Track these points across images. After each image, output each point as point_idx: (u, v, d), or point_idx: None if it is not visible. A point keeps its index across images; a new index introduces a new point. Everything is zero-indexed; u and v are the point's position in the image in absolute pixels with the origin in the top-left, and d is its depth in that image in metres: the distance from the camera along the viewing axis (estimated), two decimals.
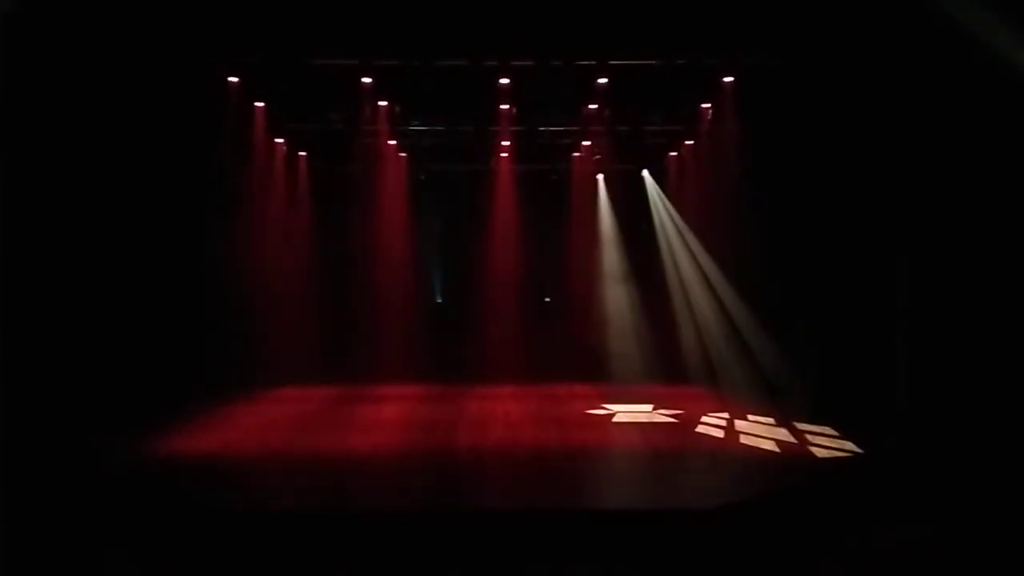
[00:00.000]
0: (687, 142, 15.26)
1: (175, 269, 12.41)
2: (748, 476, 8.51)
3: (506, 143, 15.09)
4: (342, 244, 15.78)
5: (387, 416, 12.13)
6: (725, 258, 14.18)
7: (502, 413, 12.34)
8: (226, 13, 10.70)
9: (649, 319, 15.81)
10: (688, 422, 11.58)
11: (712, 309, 14.64)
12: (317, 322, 15.44)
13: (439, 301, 17.22)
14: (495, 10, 10.79)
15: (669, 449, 9.86)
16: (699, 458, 9.39)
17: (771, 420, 11.39)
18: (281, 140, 15.06)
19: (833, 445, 9.81)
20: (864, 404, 10.87)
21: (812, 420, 11.06)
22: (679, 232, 15.74)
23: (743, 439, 10.40)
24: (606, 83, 12.82)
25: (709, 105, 13.85)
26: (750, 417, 11.69)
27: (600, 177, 16.66)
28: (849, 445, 9.69)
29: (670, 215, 16.00)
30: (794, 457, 9.32)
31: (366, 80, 12.94)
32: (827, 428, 10.61)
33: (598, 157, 15.85)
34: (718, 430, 10.99)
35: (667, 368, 15.26)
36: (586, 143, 15.42)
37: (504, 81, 12.84)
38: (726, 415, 11.90)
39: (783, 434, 10.53)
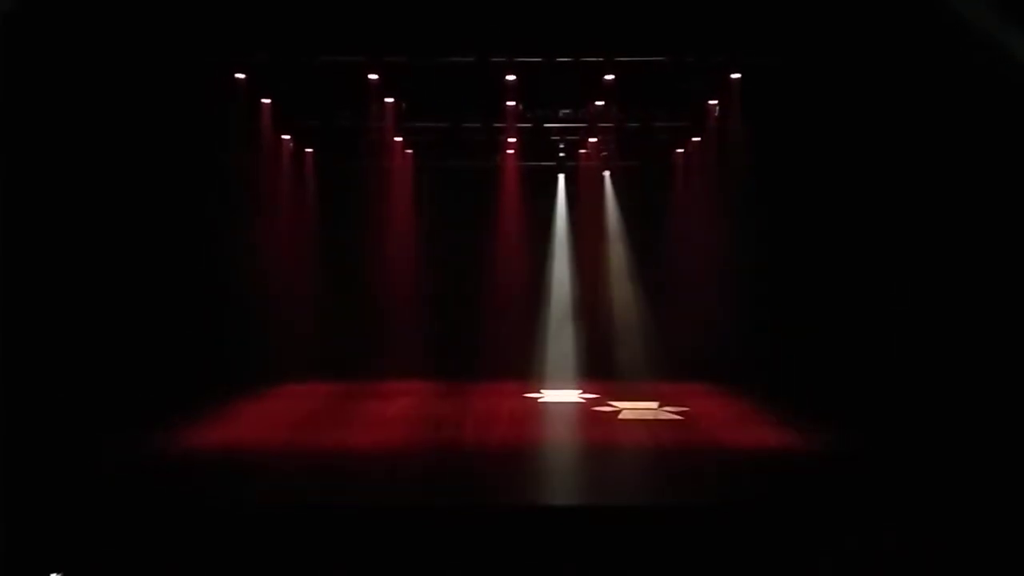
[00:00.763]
0: (694, 139, 15.24)
1: (181, 265, 12.45)
2: (747, 476, 8.51)
3: (512, 139, 15.10)
4: (348, 240, 15.79)
5: (392, 412, 12.17)
6: (726, 253, 14.14)
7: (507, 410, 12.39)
8: (232, 10, 10.73)
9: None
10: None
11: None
12: (322, 318, 15.47)
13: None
14: (502, 6, 10.80)
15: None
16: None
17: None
18: (288, 137, 15.11)
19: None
20: (864, 403, 10.83)
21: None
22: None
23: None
24: (612, 79, 12.81)
25: (716, 102, 13.83)
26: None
27: (607, 174, 16.63)
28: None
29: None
30: (794, 457, 9.31)
31: (373, 77, 12.97)
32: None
33: (605, 153, 15.82)
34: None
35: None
36: (592, 139, 15.41)
37: (510, 77, 12.86)
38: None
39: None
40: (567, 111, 14.48)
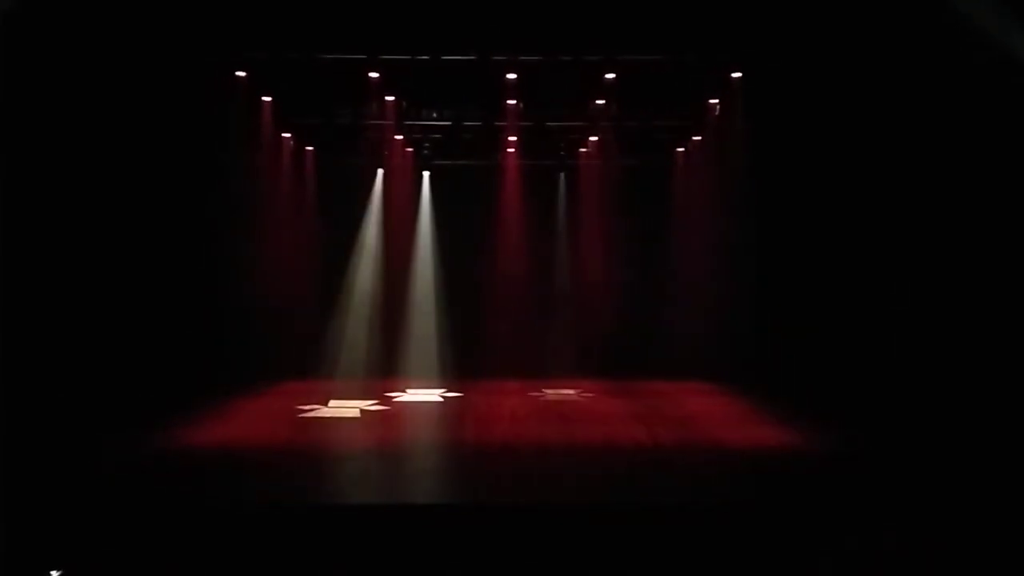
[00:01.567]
0: (695, 137, 15.23)
1: (181, 264, 12.45)
2: (747, 476, 8.50)
3: (513, 138, 15.09)
4: (348, 238, 15.79)
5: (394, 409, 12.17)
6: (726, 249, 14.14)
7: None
8: (232, 8, 10.73)
9: None
10: None
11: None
12: (322, 316, 15.47)
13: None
14: (502, 5, 10.80)
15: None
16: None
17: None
18: (288, 135, 15.10)
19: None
20: (864, 403, 10.83)
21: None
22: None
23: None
24: (613, 78, 12.81)
25: (717, 101, 13.83)
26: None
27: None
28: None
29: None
30: (794, 457, 9.30)
31: (373, 75, 12.97)
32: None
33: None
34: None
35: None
36: (593, 138, 15.40)
37: (511, 76, 12.86)
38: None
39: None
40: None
